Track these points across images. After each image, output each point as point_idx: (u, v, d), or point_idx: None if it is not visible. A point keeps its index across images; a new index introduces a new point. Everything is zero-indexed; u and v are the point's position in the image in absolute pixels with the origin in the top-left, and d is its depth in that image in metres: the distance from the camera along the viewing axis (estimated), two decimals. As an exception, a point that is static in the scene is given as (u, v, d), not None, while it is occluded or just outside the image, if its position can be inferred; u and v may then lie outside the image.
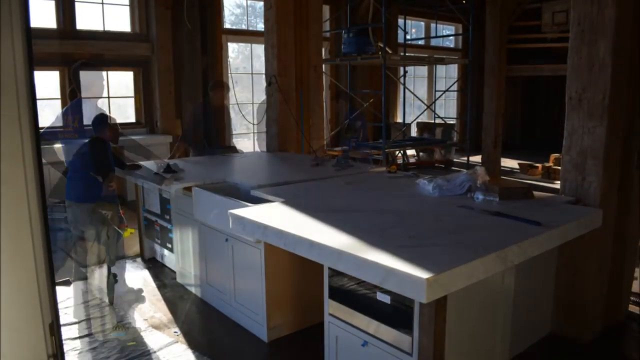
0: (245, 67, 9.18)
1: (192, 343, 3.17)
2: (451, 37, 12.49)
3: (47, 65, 6.81)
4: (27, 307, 1.35)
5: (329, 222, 2.56)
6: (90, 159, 3.67)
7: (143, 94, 7.81)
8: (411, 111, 10.50)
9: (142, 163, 4.48)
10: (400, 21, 9.59)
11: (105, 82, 5.98)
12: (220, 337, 3.25)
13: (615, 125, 2.99)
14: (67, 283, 4.09)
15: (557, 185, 3.27)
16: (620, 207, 3.16)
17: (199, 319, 3.54)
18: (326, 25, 8.95)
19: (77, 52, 7.01)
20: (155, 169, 4.12)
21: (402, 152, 9.12)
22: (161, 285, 4.10)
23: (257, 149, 9.02)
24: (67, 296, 3.85)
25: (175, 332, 3.32)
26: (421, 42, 11.59)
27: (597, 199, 2.99)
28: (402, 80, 9.24)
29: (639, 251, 3.48)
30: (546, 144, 10.06)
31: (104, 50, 7.25)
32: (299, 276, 3.20)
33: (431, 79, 11.84)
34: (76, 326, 3.39)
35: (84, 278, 4.16)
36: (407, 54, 9.13)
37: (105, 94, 7.52)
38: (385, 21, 7.80)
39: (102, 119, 3.81)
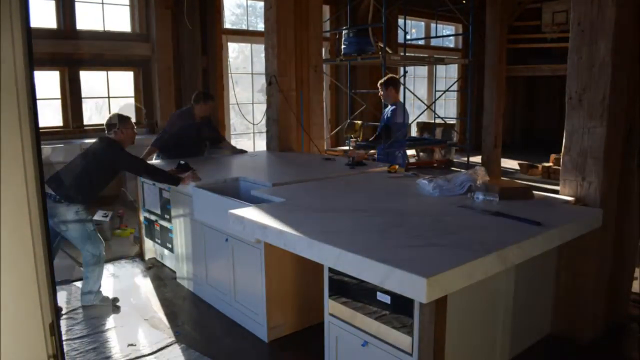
0: (246, 67, 9.17)
1: (192, 343, 3.17)
2: (451, 37, 12.49)
3: (47, 65, 6.81)
4: (27, 307, 1.34)
5: (328, 222, 2.56)
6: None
7: (143, 94, 7.81)
8: (411, 111, 10.47)
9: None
10: (400, 21, 9.58)
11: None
12: (221, 337, 3.25)
13: (615, 125, 2.99)
14: (67, 282, 4.10)
15: (557, 185, 3.26)
16: (620, 207, 3.16)
17: (199, 319, 3.54)
18: (326, 25, 8.94)
19: (77, 52, 7.02)
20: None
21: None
22: (161, 285, 4.10)
23: (257, 149, 9.01)
24: (67, 296, 3.86)
25: (175, 332, 3.32)
26: (421, 42, 11.59)
27: (597, 199, 2.99)
28: (402, 80, 9.23)
29: (639, 251, 3.48)
30: (546, 144, 10.06)
31: (104, 50, 7.26)
32: (299, 276, 3.20)
33: (431, 79, 11.83)
34: (76, 326, 3.39)
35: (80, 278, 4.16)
36: (407, 54, 9.11)
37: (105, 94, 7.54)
38: (385, 21, 7.79)
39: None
